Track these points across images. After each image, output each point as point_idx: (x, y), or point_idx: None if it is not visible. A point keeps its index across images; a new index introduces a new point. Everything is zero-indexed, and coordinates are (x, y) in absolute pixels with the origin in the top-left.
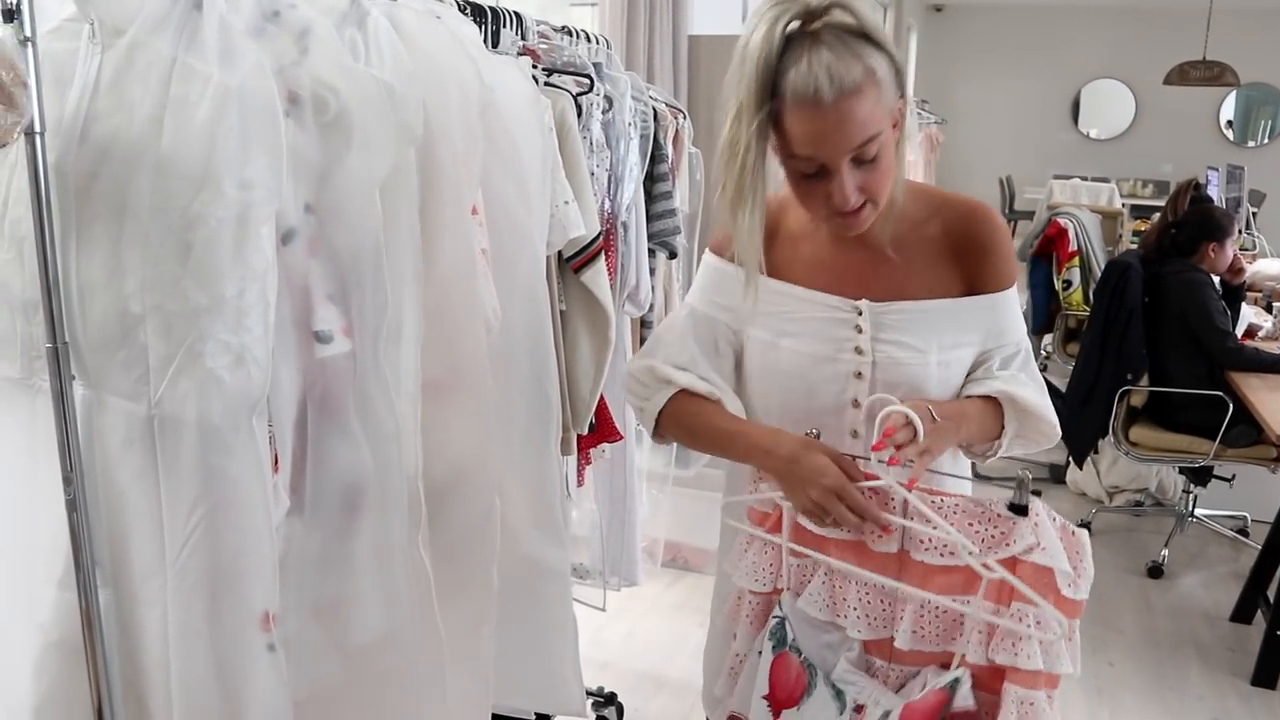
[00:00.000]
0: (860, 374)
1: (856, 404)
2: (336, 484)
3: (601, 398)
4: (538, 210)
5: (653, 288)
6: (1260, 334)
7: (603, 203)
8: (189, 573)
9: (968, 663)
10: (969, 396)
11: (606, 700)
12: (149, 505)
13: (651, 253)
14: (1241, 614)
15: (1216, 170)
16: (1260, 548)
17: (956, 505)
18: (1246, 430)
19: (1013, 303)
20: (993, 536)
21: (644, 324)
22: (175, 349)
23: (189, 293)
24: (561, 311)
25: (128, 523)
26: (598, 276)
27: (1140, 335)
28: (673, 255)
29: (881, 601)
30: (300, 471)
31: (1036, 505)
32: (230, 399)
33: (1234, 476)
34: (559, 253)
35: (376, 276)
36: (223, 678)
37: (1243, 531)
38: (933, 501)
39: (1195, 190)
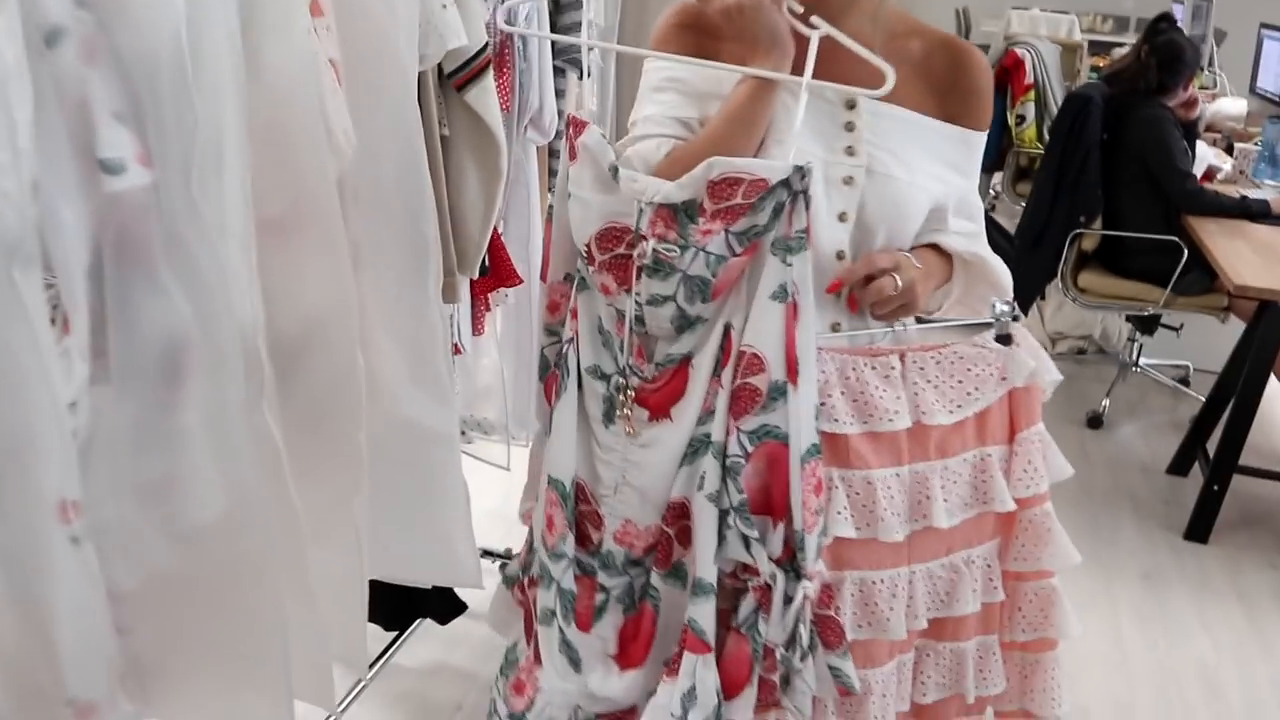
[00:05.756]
0: (851, 180)
1: (844, 218)
2: (150, 345)
3: (497, 237)
4: (404, 14)
5: (560, 112)
6: (1219, 176)
7: (493, 9)
8: None
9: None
10: (921, 245)
11: None
12: None
13: (559, 72)
14: (1178, 466)
15: (1182, 4)
16: (1202, 399)
17: (955, 354)
18: (1199, 278)
19: (981, 150)
20: (992, 375)
21: (552, 153)
22: None
23: None
24: (443, 137)
25: None
26: (484, 96)
27: (1097, 174)
28: (585, 75)
29: (905, 494)
30: (101, 332)
31: (1018, 330)
32: None
33: (1182, 326)
34: (438, 68)
35: (180, 90)
36: (15, 579)
37: (1184, 381)
38: (932, 358)
39: (1165, 22)
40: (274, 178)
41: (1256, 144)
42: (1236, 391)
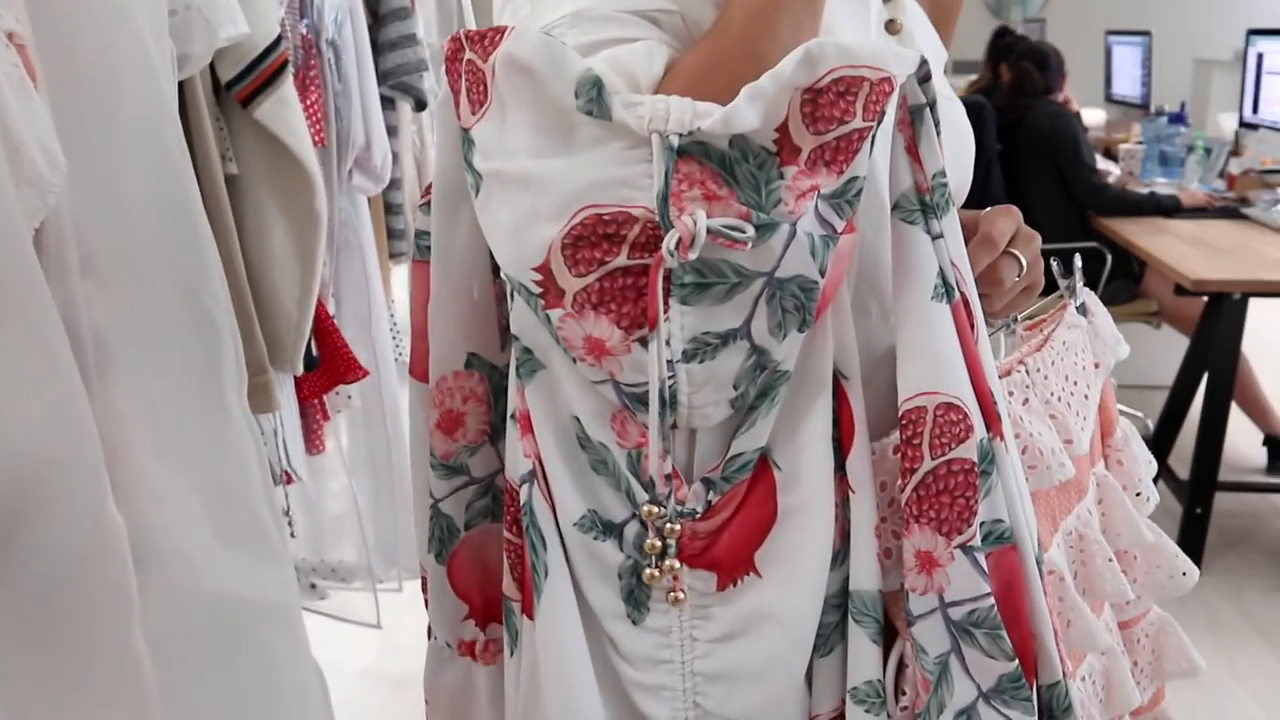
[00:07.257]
0: None
1: None
2: None
3: (327, 318)
4: None
5: (396, 155)
6: (1110, 179)
7: (286, 4)
8: None
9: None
10: None
11: None
12: None
13: (388, 103)
14: None
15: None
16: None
17: (1062, 343)
18: (1124, 284)
19: None
20: (1090, 363)
21: (390, 209)
22: None
23: None
24: (230, 177)
25: None
26: (281, 110)
27: (1002, 187)
28: (420, 105)
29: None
30: None
31: (1090, 296)
32: None
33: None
34: (212, 75)
35: None
36: None
37: None
38: (1047, 359)
39: (1008, 35)
40: None
41: (1139, 143)
42: (1205, 400)
